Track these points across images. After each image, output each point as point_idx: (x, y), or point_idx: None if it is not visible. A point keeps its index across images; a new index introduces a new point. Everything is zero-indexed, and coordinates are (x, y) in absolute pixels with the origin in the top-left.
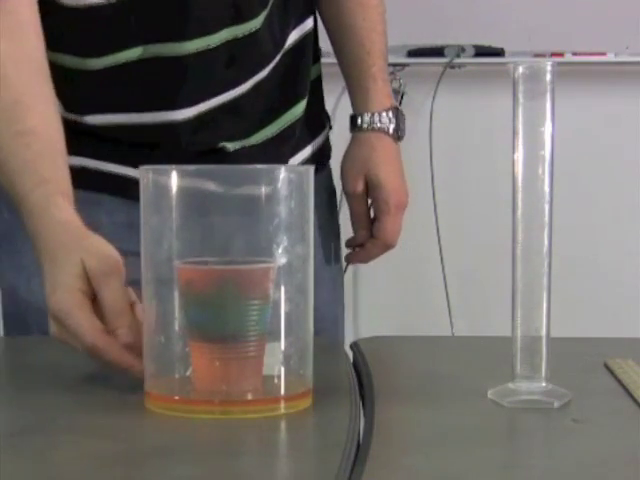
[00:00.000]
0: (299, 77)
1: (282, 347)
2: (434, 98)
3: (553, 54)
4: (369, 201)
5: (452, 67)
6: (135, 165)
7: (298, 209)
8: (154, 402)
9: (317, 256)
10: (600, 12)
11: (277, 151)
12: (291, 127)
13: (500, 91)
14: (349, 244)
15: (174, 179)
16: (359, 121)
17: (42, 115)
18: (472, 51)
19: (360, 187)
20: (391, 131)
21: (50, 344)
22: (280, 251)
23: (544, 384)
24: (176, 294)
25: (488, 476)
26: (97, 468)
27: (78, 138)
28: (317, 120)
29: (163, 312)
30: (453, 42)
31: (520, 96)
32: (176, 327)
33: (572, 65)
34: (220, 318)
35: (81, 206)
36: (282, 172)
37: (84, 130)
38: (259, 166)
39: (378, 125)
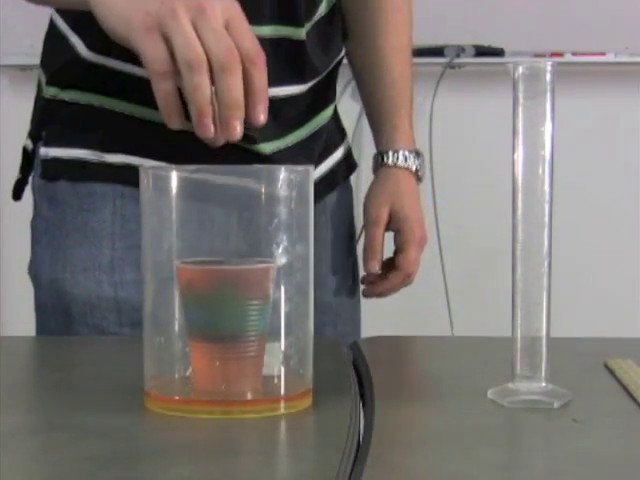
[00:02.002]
0: (331, 86)
1: (282, 347)
2: (434, 98)
3: (553, 54)
4: (385, 235)
5: (452, 67)
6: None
7: (298, 209)
8: (154, 402)
9: (339, 255)
10: (600, 12)
11: (309, 152)
12: (320, 130)
13: (500, 91)
14: (365, 281)
15: (174, 179)
16: (385, 157)
17: None
18: (472, 51)
19: (384, 215)
20: (414, 170)
21: (49, 344)
22: (280, 251)
23: (544, 384)
24: (176, 294)
25: (488, 476)
26: (97, 468)
27: (125, 134)
28: (339, 127)
29: (163, 312)
30: (453, 42)
31: (520, 96)
32: (176, 327)
33: (572, 65)
34: (220, 318)
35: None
36: (282, 172)
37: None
38: (259, 166)
39: (404, 163)
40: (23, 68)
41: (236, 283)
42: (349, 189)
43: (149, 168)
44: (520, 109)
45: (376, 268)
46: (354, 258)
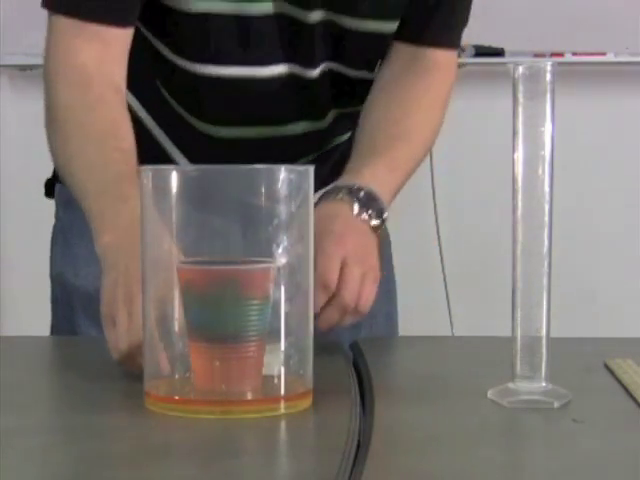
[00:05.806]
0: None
1: (282, 347)
2: None
3: (553, 54)
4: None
5: None
6: None
7: (298, 209)
8: (154, 402)
9: None
10: (600, 12)
11: (317, 171)
12: (333, 149)
13: (500, 91)
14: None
15: (174, 179)
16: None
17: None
18: (472, 51)
19: None
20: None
21: (48, 344)
22: (280, 251)
23: (544, 384)
24: (176, 294)
25: (488, 476)
26: (97, 468)
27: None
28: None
29: (163, 312)
30: None
31: (520, 96)
32: (176, 327)
33: (572, 65)
34: (220, 318)
35: None
36: (282, 172)
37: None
38: (259, 166)
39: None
40: (23, 68)
41: (236, 283)
42: None
43: (149, 168)
44: (520, 109)
45: None
46: (391, 260)
